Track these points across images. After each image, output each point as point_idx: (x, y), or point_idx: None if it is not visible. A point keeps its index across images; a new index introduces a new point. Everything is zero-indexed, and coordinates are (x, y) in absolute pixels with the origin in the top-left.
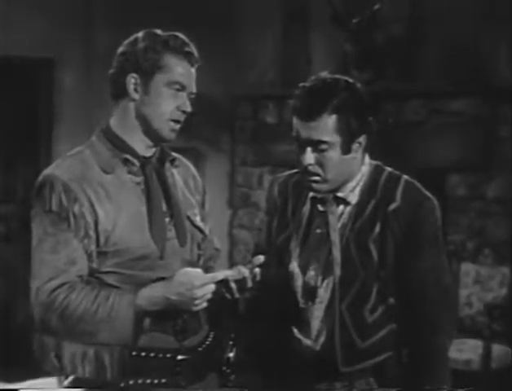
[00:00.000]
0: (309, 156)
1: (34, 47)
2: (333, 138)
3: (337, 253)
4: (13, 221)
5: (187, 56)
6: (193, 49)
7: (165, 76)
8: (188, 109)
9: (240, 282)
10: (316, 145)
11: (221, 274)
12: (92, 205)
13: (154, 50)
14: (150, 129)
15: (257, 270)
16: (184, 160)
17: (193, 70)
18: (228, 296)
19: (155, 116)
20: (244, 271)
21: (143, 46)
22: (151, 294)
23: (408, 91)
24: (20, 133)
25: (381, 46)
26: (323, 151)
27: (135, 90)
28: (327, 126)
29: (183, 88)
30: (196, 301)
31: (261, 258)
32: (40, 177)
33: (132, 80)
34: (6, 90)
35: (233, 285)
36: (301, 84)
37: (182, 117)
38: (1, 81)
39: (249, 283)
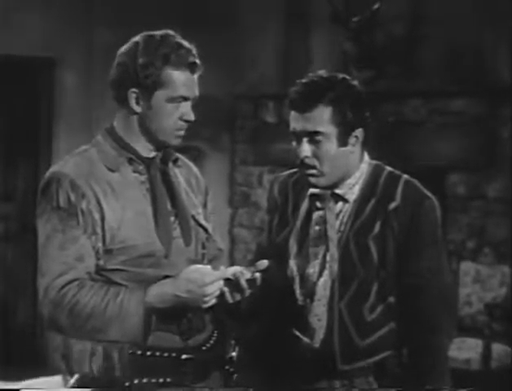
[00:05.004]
0: (305, 148)
1: (35, 46)
2: (329, 129)
3: (334, 250)
4: (12, 220)
5: (189, 66)
6: (195, 57)
7: (167, 92)
8: (191, 118)
9: (238, 285)
10: (312, 136)
11: (230, 271)
12: (99, 202)
13: (154, 66)
14: (154, 140)
15: (257, 274)
16: (187, 160)
17: (196, 77)
18: (230, 299)
19: (158, 130)
20: (246, 274)
21: (143, 63)
22: (161, 291)
23: (409, 91)
24: (20, 132)
25: (381, 45)
26: (319, 142)
27: (137, 103)
28: (322, 117)
29: (185, 99)
30: (206, 298)
31: (265, 263)
32: (46, 175)
33: (133, 95)
34: (6, 90)
35: (226, 289)
36: (298, 80)
37: (185, 125)
38: (1, 81)
39: (246, 286)
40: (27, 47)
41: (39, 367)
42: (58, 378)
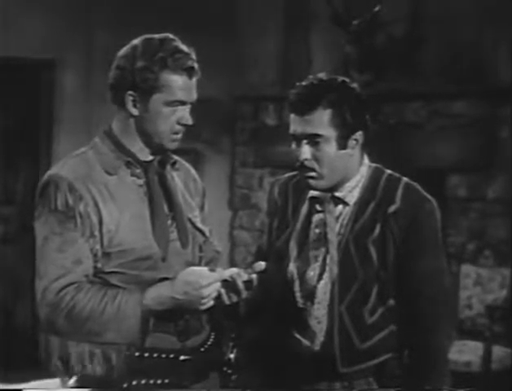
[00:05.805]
0: (305, 151)
1: (35, 48)
2: (328, 131)
3: (334, 253)
4: (12, 222)
5: (186, 71)
6: (194, 61)
7: (164, 96)
8: (189, 122)
9: (235, 287)
10: (312, 139)
11: (227, 272)
12: (96, 205)
13: (152, 70)
14: (151, 143)
15: (254, 276)
16: (185, 162)
17: (194, 81)
18: (226, 301)
19: (155, 133)
20: (243, 275)
21: (140, 66)
22: (158, 294)
23: (409, 92)
24: (20, 133)
25: (381, 47)
26: (318, 145)
27: (134, 106)
28: (322, 120)
29: (183, 103)
30: (203, 300)
31: (262, 265)
32: (44, 177)
33: (130, 97)
34: (6, 91)
35: (223, 291)
36: (297, 83)
37: (182, 129)
38: (1, 82)
39: (243, 287)
40: (27, 49)
41: (38, 369)
42: (56, 380)
